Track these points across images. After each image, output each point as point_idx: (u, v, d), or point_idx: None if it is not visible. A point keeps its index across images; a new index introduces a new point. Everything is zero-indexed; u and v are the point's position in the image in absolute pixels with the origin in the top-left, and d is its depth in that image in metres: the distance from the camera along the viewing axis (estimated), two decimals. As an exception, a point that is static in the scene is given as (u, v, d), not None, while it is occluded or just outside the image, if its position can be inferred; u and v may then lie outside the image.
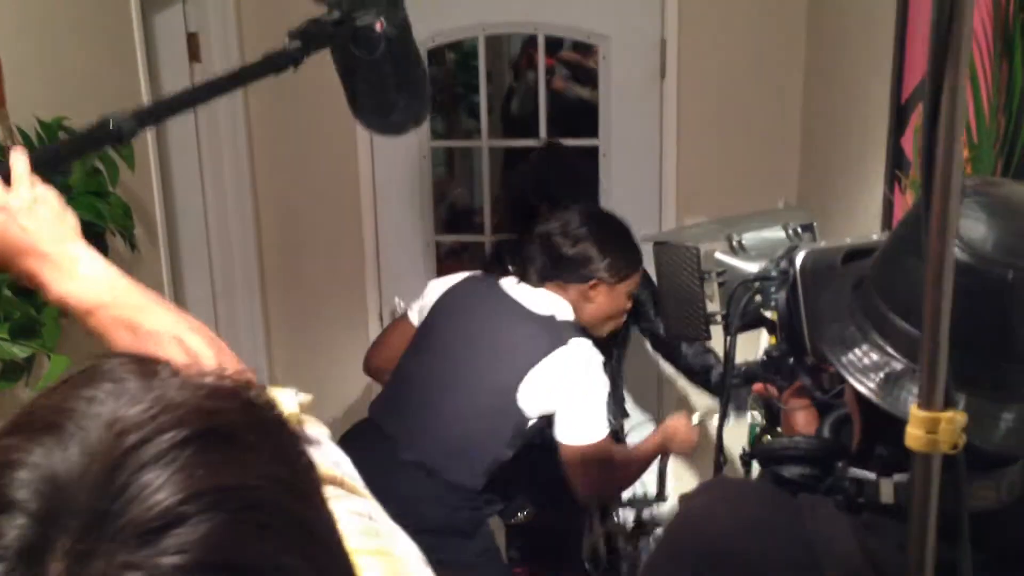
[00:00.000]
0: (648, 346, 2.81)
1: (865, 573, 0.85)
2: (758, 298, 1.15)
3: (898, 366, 0.84)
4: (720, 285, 1.33)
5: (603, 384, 2.06)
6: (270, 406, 0.53)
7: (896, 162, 1.93)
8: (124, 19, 2.44)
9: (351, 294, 3.30)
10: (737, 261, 1.31)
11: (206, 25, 2.98)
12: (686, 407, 3.17)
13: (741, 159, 3.04)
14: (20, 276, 0.96)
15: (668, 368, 3.11)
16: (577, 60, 3.28)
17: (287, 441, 0.53)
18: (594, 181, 3.05)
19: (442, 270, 3.27)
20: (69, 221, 0.99)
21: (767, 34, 2.94)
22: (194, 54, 2.98)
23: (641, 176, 3.11)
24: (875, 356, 0.86)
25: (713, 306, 1.30)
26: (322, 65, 2.97)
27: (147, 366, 0.52)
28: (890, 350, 0.85)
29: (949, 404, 0.67)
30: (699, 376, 2.57)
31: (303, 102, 3.12)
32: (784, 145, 3.00)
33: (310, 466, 0.54)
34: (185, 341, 0.91)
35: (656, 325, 2.63)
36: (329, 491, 0.70)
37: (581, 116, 3.19)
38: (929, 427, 0.67)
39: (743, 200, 3.03)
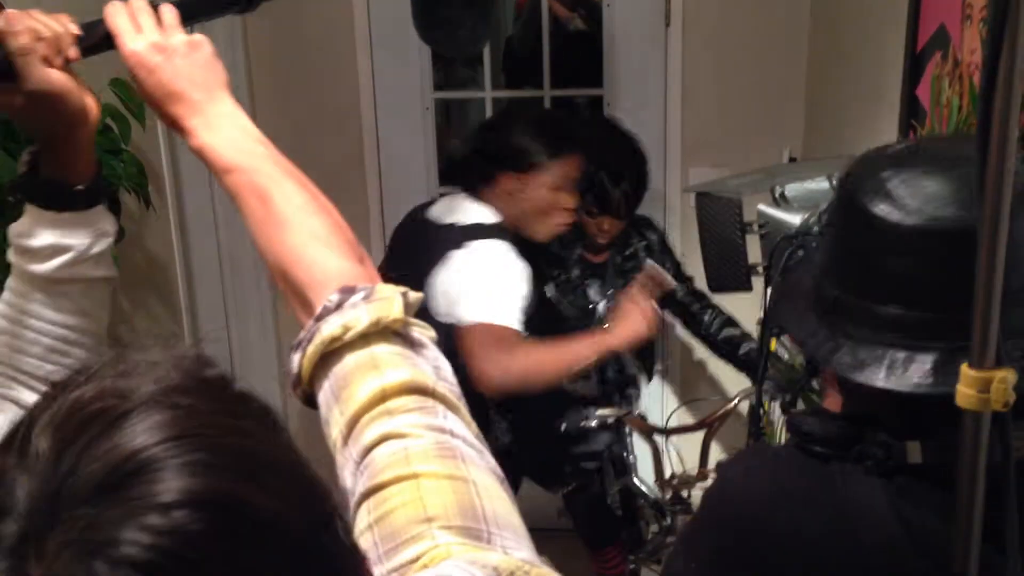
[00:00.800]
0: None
1: (900, 538, 0.87)
2: (800, 253, 1.16)
3: (901, 355, 0.87)
4: (763, 237, 1.34)
5: (511, 282, 1.94)
6: (224, 383, 0.55)
7: (911, 111, 1.93)
8: None
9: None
10: (780, 213, 1.31)
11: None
12: (722, 387, 3.19)
13: (746, 108, 3.03)
14: (166, 120, 0.97)
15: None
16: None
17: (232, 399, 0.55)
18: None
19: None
20: (220, 72, 1.00)
21: (773, -20, 2.91)
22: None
23: (646, 126, 3.09)
24: (877, 352, 0.88)
25: (756, 258, 1.31)
26: (324, 20, 2.93)
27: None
28: (851, 329, 0.89)
29: (1000, 363, 0.69)
30: (721, 349, 2.60)
31: (305, 57, 3.08)
32: (790, 94, 2.99)
33: (264, 411, 0.55)
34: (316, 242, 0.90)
35: (677, 288, 2.64)
36: (411, 401, 0.71)
37: (585, 65, 3.17)
38: (981, 386, 0.69)
39: (748, 149, 3.03)
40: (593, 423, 2.31)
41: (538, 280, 2.56)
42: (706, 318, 2.60)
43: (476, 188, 2.13)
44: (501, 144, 2.14)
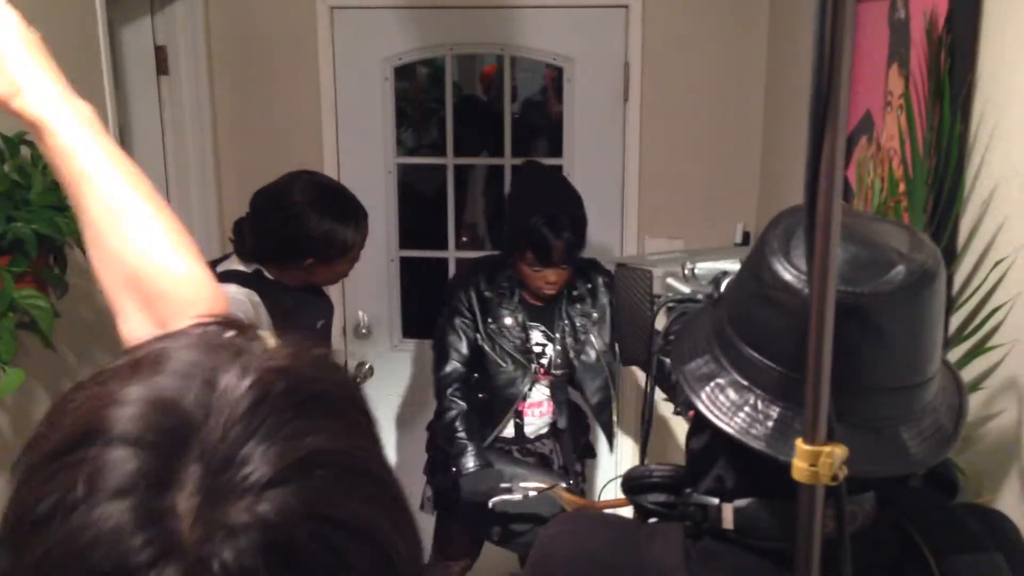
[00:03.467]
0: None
1: None
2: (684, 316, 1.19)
3: (727, 378, 0.88)
4: (668, 310, 1.37)
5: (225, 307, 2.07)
6: (346, 371, 0.61)
7: (846, 192, 1.99)
8: (90, 31, 2.46)
9: (316, 308, 3.32)
10: (685, 288, 1.35)
11: (174, 38, 3.00)
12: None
13: (702, 181, 3.10)
14: None
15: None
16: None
17: (364, 406, 0.60)
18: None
19: (404, 286, 3.30)
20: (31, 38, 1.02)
21: (728, 59, 3.00)
22: (162, 67, 3.01)
23: (604, 196, 3.15)
24: (712, 367, 0.89)
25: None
26: (287, 88, 2.99)
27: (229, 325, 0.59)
28: (725, 363, 0.89)
29: (830, 438, 0.71)
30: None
31: (270, 126, 3.14)
32: (744, 169, 3.06)
33: (374, 424, 0.61)
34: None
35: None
36: None
37: (545, 136, 3.24)
38: (811, 460, 0.71)
39: (704, 222, 3.09)
40: (517, 496, 2.30)
41: (471, 327, 2.59)
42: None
43: (273, 262, 2.24)
44: (301, 235, 2.19)
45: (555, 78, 3.26)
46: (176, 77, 3.02)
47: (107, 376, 0.54)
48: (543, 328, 2.65)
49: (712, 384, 0.88)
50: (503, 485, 2.29)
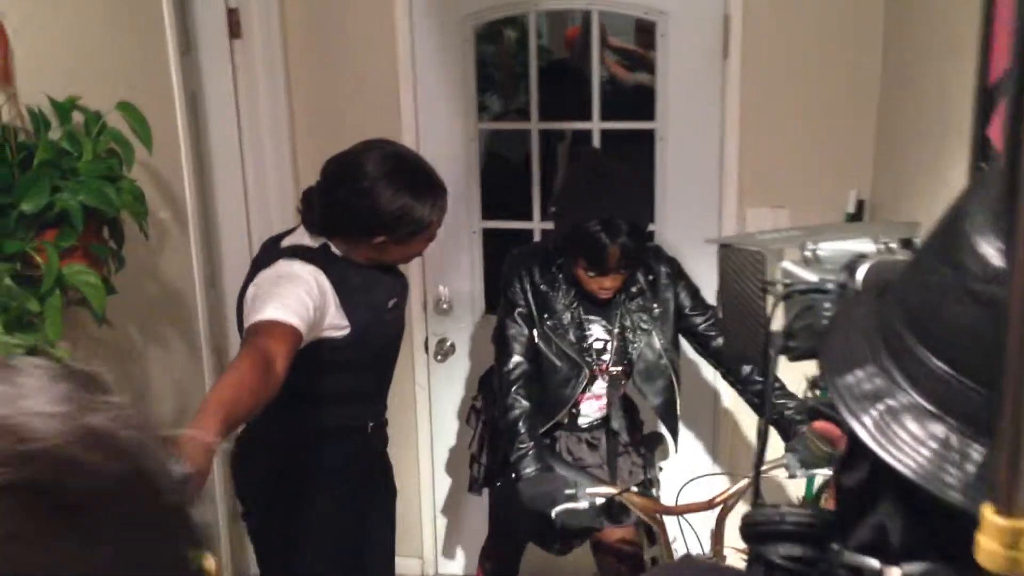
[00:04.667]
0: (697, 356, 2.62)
1: None
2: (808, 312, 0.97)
3: (905, 400, 0.66)
4: (785, 299, 1.14)
5: (292, 288, 1.90)
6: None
7: (982, 154, 1.72)
8: (155, -2, 2.33)
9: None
10: (806, 273, 1.12)
11: (247, 0, 2.86)
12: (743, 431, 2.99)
13: (810, 146, 2.82)
14: None
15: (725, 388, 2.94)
16: (631, 50, 3.10)
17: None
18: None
19: (487, 259, 3.13)
20: None
21: (841, 9, 2.70)
22: (234, 30, 2.88)
23: (700, 163, 2.91)
24: (879, 382, 0.68)
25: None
26: (363, 50, 2.85)
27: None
28: (900, 379, 0.67)
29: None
30: (740, 385, 2.37)
31: (345, 90, 2.99)
32: (857, 132, 2.77)
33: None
34: None
35: (695, 320, 2.44)
36: None
37: (636, 98, 3.00)
38: (1009, 540, 0.50)
39: (811, 189, 2.82)
40: (582, 505, 2.08)
41: (529, 321, 2.39)
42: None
43: (341, 238, 2.09)
44: (374, 211, 2.01)
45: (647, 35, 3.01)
46: (249, 40, 2.89)
47: None
48: (603, 323, 2.42)
49: (882, 407, 0.66)
50: (567, 492, 2.08)
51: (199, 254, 2.49)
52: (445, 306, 3.15)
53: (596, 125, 2.95)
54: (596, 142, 2.96)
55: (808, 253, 1.15)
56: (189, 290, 2.46)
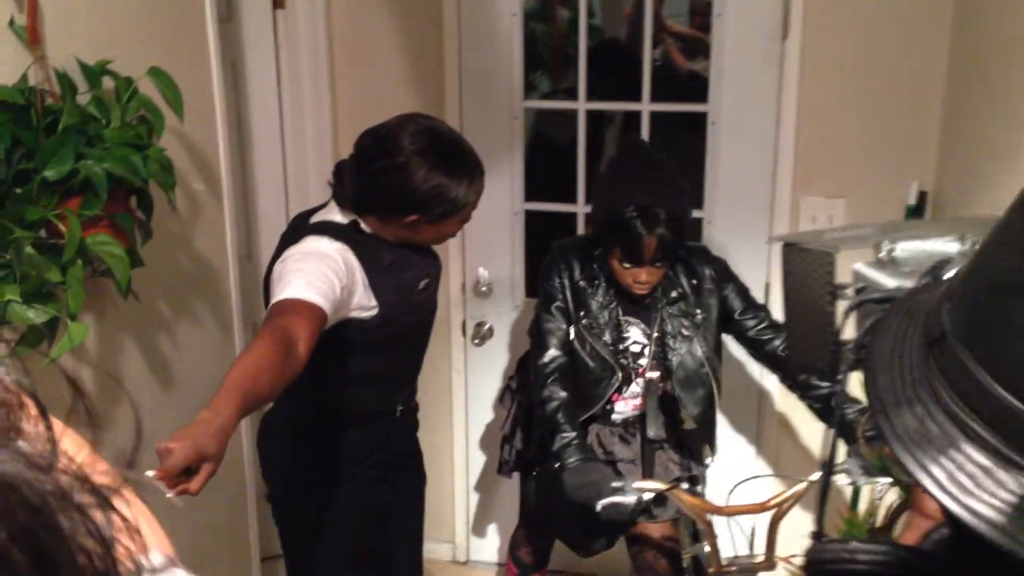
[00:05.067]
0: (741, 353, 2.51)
1: None
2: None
3: (976, 445, 0.56)
4: (857, 308, 1.03)
5: (318, 266, 1.83)
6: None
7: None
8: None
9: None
10: (881, 275, 1.01)
11: (290, -30, 2.80)
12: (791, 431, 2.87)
13: (870, 133, 2.69)
14: None
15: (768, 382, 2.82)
16: (689, 34, 2.98)
17: None
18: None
19: (529, 241, 3.04)
20: None
21: (910, -10, 2.57)
22: (277, 1, 2.81)
23: (753, 148, 2.79)
24: (990, 468, 0.55)
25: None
26: (408, 23, 2.75)
27: None
28: (965, 417, 0.56)
29: None
30: (800, 390, 2.24)
31: (389, 63, 2.92)
32: (921, 119, 2.63)
33: None
34: None
35: (747, 323, 2.33)
36: None
37: (689, 80, 2.89)
38: None
39: (870, 180, 2.69)
40: (630, 499, 1.99)
41: (566, 316, 2.30)
42: (783, 351, 2.27)
43: (372, 214, 2.01)
44: (407, 188, 1.93)
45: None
46: (292, 11, 2.83)
47: None
48: (642, 326, 2.32)
49: (951, 454, 0.56)
50: (614, 484, 1.99)
51: (233, 227, 2.43)
52: (484, 289, 3.07)
53: (646, 107, 2.84)
54: (645, 124, 2.86)
55: (884, 254, 1.04)
56: (222, 264, 2.41)
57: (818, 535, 0.80)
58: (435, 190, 1.93)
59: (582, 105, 2.89)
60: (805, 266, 1.18)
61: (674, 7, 3.02)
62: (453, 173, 1.94)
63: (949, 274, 0.75)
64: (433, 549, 3.32)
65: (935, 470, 0.56)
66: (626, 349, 2.31)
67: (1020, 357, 0.54)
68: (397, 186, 1.92)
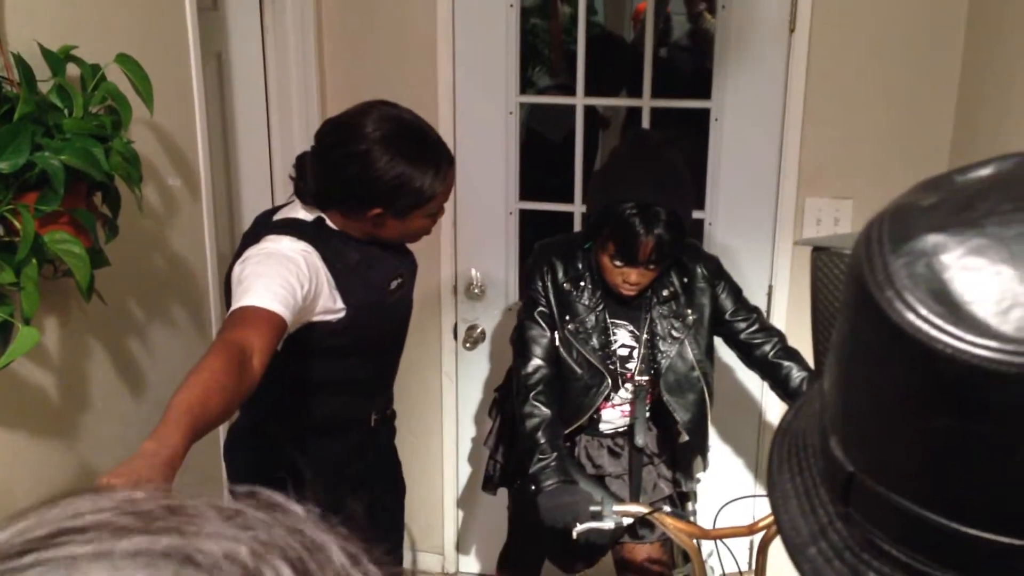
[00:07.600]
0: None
1: None
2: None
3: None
4: None
5: (277, 269, 1.71)
6: None
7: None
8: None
9: (425, 264, 2.99)
10: None
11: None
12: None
13: (879, 132, 2.58)
14: None
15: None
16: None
17: None
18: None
19: (523, 242, 2.93)
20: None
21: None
22: (263, -12, 2.70)
23: (758, 146, 2.68)
24: (848, 557, 0.50)
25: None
26: (400, 13, 2.63)
27: None
28: (873, 532, 0.50)
29: None
30: (792, 400, 2.12)
31: (380, 55, 2.80)
32: (934, 118, 2.52)
33: None
34: None
35: (737, 325, 2.22)
36: None
37: (691, 77, 2.78)
38: None
39: (879, 180, 2.58)
40: (607, 524, 1.87)
41: (550, 321, 2.18)
42: (774, 358, 2.17)
43: (336, 209, 1.89)
44: (367, 177, 1.80)
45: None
46: (280, 1, 2.71)
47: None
48: (630, 327, 2.20)
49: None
50: (592, 508, 1.87)
51: (213, 224, 2.32)
52: (477, 291, 2.96)
53: (647, 103, 2.73)
54: (646, 121, 2.74)
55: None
56: (200, 263, 2.29)
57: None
58: (398, 179, 1.80)
59: (580, 100, 2.77)
60: (834, 272, 1.08)
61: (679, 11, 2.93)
62: (417, 161, 1.82)
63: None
64: (421, 559, 3.21)
65: None
66: (613, 353, 2.19)
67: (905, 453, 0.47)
68: (358, 175, 1.80)
